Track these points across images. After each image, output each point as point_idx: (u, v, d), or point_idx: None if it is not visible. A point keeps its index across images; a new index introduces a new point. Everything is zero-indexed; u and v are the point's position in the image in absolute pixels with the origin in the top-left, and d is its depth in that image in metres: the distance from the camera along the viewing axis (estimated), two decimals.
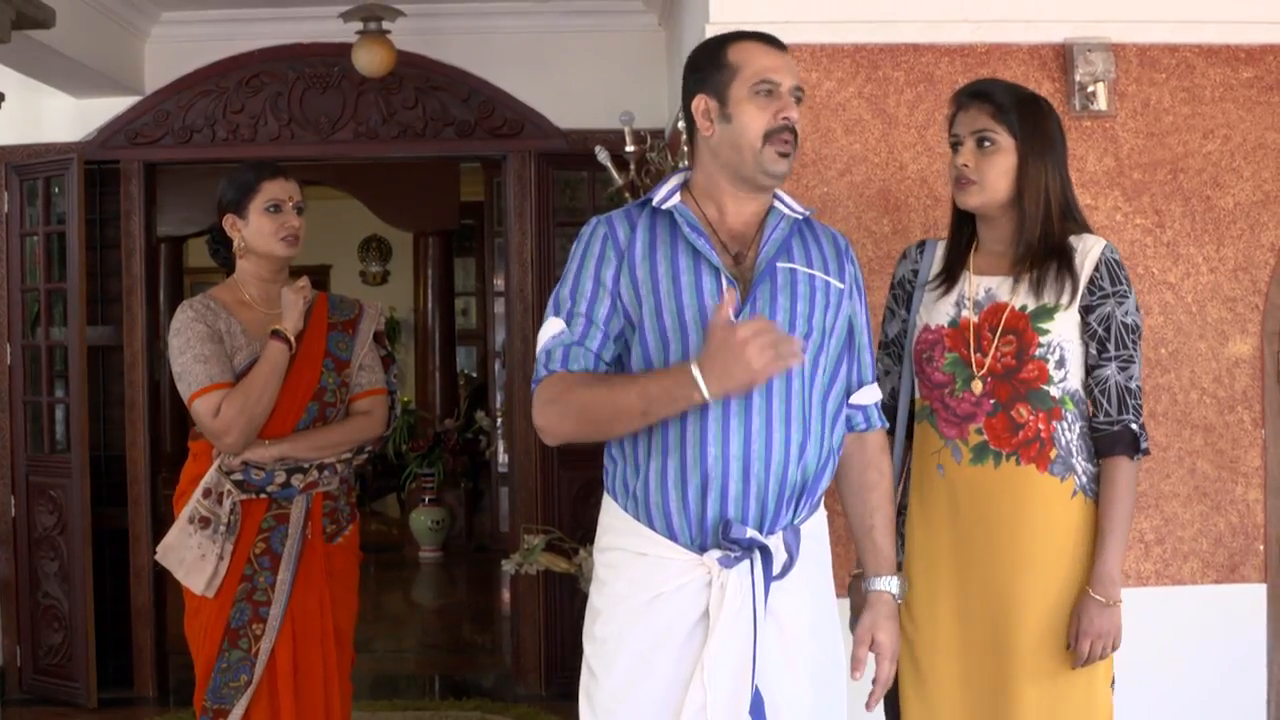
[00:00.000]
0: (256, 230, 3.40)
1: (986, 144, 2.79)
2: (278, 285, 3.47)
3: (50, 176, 5.65)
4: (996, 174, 2.80)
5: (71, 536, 5.55)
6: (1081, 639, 2.72)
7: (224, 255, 3.51)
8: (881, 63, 3.69)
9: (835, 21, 3.68)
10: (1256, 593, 3.72)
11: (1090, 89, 3.65)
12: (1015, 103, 2.81)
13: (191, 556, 3.30)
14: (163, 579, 5.65)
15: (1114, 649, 2.76)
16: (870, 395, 2.58)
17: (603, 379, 2.40)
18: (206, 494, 3.31)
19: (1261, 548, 3.72)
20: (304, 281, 3.43)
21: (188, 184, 7.21)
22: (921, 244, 3.00)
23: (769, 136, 2.42)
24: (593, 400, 2.37)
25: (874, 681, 2.53)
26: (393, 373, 3.65)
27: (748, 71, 2.44)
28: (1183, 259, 3.72)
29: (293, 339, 3.34)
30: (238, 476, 3.31)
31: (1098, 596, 2.73)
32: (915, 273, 2.95)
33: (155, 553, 3.41)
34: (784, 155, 2.43)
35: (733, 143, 2.44)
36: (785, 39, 2.55)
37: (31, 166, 5.68)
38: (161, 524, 5.59)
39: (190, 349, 3.32)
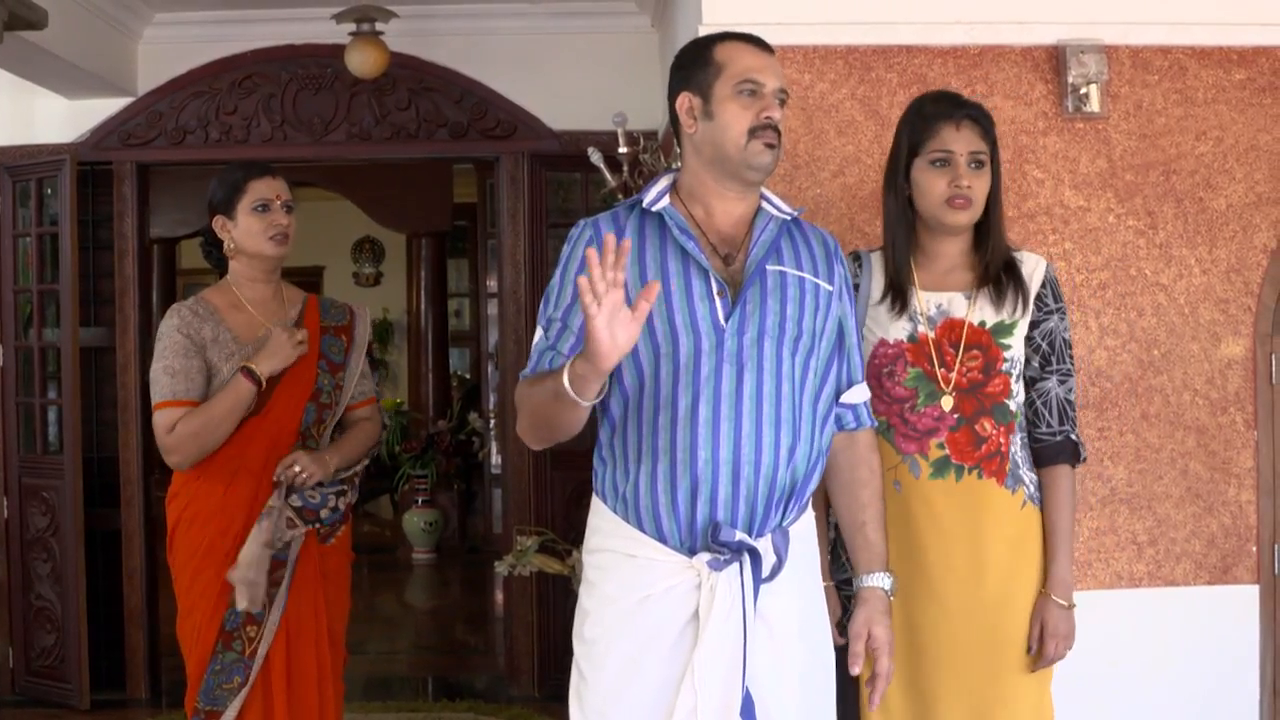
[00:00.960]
0: (245, 230, 3.39)
1: (978, 165, 2.81)
2: (271, 285, 3.46)
3: (43, 178, 5.63)
4: (983, 193, 2.84)
5: (64, 538, 5.54)
6: (1048, 640, 2.79)
7: (216, 256, 3.50)
8: (874, 64, 3.69)
9: (828, 23, 3.68)
10: (1249, 594, 3.73)
11: (1083, 91, 3.66)
12: (990, 121, 2.85)
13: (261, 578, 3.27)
14: (156, 580, 5.65)
15: (1069, 649, 2.83)
16: (859, 394, 2.58)
17: (541, 374, 2.37)
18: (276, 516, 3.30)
19: (1254, 549, 3.72)
20: (303, 335, 3.38)
21: (181, 185, 7.20)
22: (856, 255, 2.96)
23: (752, 133, 2.41)
24: (529, 393, 2.38)
25: (874, 677, 2.50)
26: (374, 379, 3.65)
27: (732, 70, 2.43)
28: (1175, 260, 3.72)
29: (264, 383, 3.30)
30: (296, 502, 3.29)
31: (1059, 600, 2.81)
32: (856, 286, 2.89)
33: (235, 563, 3.25)
34: (770, 146, 2.42)
35: (714, 140, 2.43)
36: (778, 40, 2.54)
37: (24, 168, 5.67)
38: (154, 525, 5.60)
39: (164, 358, 3.32)
